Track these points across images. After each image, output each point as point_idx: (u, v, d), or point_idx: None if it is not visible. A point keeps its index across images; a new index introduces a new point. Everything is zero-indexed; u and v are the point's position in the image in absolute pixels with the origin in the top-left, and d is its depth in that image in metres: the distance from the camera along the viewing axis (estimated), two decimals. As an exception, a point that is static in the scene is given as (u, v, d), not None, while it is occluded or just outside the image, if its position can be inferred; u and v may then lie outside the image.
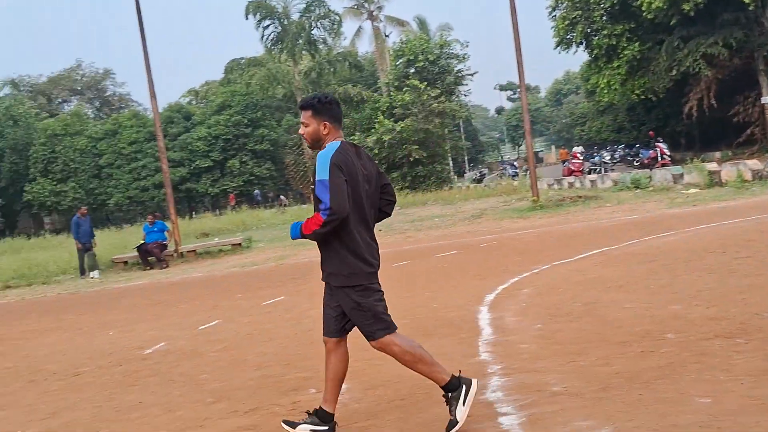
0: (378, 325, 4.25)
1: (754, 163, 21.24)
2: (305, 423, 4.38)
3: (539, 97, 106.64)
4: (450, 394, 4.26)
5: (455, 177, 53.53)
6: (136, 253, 19.60)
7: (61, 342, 9.42)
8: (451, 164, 51.18)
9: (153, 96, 20.92)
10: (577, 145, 45.57)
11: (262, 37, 45.93)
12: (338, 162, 4.09)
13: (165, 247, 19.60)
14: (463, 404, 4.21)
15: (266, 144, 47.70)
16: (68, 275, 19.57)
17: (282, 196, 48.83)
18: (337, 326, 4.37)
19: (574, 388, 4.79)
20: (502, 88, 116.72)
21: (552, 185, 30.73)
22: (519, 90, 26.99)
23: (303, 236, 4.23)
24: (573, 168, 34.44)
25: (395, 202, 4.63)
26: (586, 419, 4.17)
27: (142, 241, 19.59)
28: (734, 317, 6.09)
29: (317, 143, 4.28)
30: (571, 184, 29.43)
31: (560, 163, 50.72)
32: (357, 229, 4.25)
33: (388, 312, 4.35)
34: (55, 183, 47.68)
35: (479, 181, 48.27)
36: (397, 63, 42.52)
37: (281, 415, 5.04)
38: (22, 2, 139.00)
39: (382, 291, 4.37)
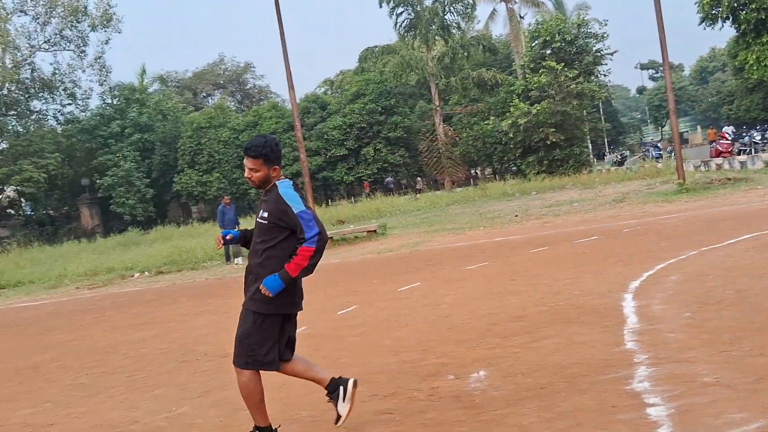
0: (250, 357, 4.36)
1: None
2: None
3: (683, 75, 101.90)
4: None
5: (594, 160, 52.04)
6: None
7: (209, 324, 9.85)
8: (590, 147, 49.77)
9: (291, 87, 21.48)
10: (727, 125, 43.24)
11: (396, 24, 46.17)
12: (300, 195, 4.45)
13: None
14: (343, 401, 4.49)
15: (400, 131, 47.98)
16: (215, 261, 20.44)
17: (419, 178, 48.87)
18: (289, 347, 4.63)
19: (726, 379, 4.55)
20: (644, 66, 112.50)
21: (699, 167, 29.29)
22: (662, 69, 25.87)
23: (290, 282, 4.35)
24: (721, 149, 32.67)
25: None
26: (739, 411, 3.95)
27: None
28: None
29: (264, 185, 4.50)
30: (719, 166, 27.96)
31: (706, 144, 48.27)
32: None
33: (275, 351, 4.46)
34: (201, 174, 49.84)
35: (620, 163, 46.74)
36: (533, 44, 41.67)
37: (420, 400, 5.06)
38: (168, 1, 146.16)
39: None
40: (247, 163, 4.45)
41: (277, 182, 4.48)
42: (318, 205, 28.10)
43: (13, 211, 53.80)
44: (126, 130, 50.97)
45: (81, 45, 47.86)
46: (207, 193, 49.69)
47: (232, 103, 67.10)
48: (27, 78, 47.27)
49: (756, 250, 9.40)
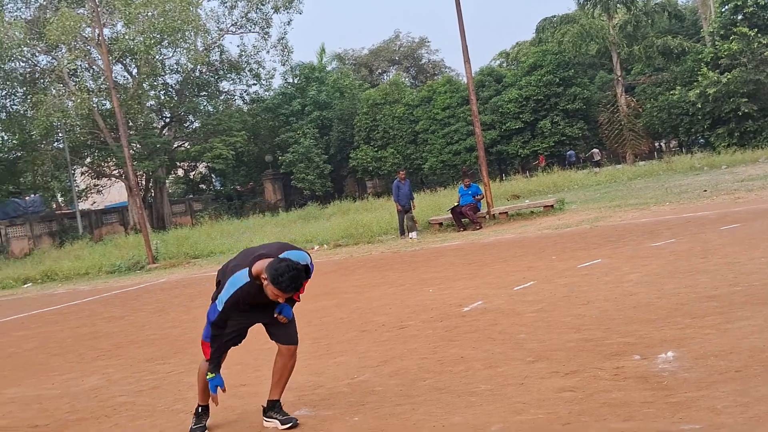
0: None
1: None
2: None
3: None
4: None
5: (792, 132, 48.10)
6: (450, 215, 20.26)
7: (386, 296, 10.05)
8: (787, 118, 46.06)
9: (467, 61, 21.34)
10: None
11: (574, -7, 44.77)
12: None
13: (477, 209, 20.02)
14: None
15: (578, 103, 46.51)
16: (389, 235, 20.82)
17: (596, 149, 46.79)
18: None
19: None
20: None
21: None
22: None
23: None
24: None
25: None
26: None
27: (456, 203, 20.20)
28: None
29: None
30: None
31: None
32: None
33: None
34: (376, 149, 50.79)
35: (822, 135, 42.95)
36: (723, 10, 38.99)
37: (604, 379, 4.90)
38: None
39: None
40: (286, 295, 4.53)
41: None
42: (492, 180, 27.83)
43: (204, 186, 57.49)
44: (306, 108, 52.82)
45: (265, 27, 49.89)
46: (381, 169, 50.61)
47: (407, 79, 67.78)
48: (216, 60, 49.97)
49: None
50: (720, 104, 35.88)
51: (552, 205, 20.37)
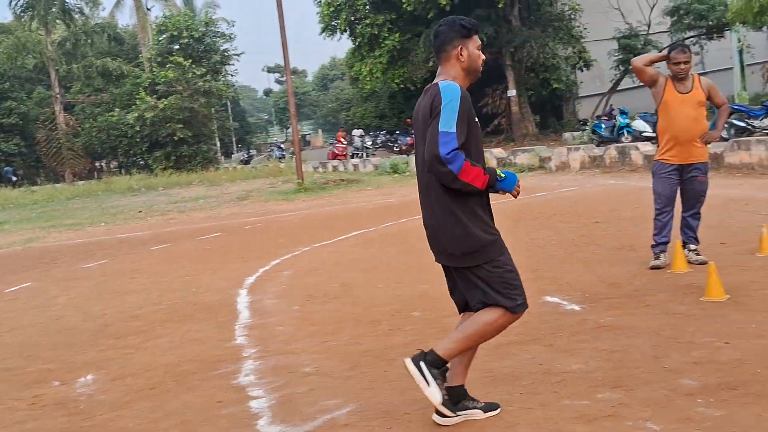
0: None
1: (499, 152, 22.92)
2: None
3: (306, 80, 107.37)
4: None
5: (222, 158, 52.81)
6: None
7: None
8: (218, 144, 50.36)
9: None
10: (357, 128, 46.59)
11: (11, 2, 42.36)
12: None
13: None
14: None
15: (14, 118, 44.11)
16: None
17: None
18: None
19: (325, 368, 4.95)
20: (270, 70, 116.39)
21: (317, 168, 31.23)
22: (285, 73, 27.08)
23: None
24: (337, 152, 35.22)
25: None
26: (333, 398, 4.32)
27: None
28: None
29: None
30: (335, 168, 30.08)
31: (328, 146, 51.51)
32: None
33: None
34: None
35: (247, 162, 47.98)
36: (160, 38, 41.05)
37: (20, 410, 4.74)
38: None
39: None
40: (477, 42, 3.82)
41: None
42: None
43: None
44: None
45: None
46: None
47: None
48: None
49: (361, 246, 10.33)
50: (157, 128, 37.54)
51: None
